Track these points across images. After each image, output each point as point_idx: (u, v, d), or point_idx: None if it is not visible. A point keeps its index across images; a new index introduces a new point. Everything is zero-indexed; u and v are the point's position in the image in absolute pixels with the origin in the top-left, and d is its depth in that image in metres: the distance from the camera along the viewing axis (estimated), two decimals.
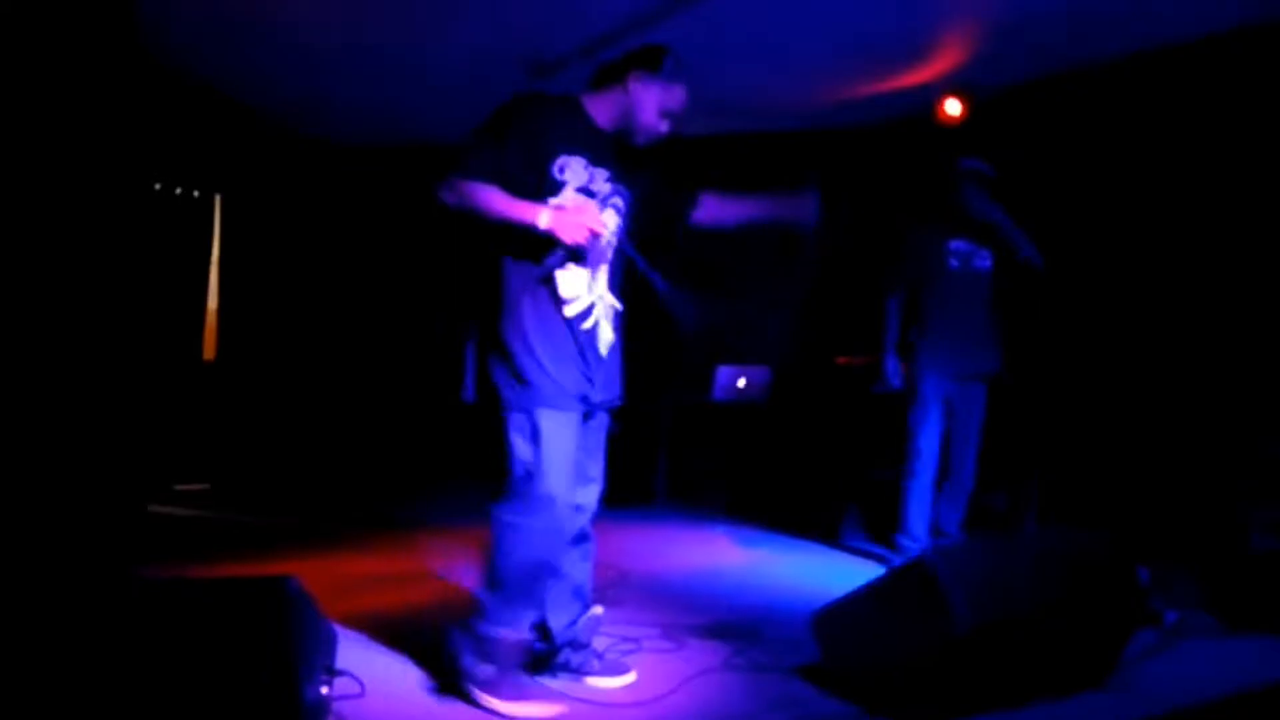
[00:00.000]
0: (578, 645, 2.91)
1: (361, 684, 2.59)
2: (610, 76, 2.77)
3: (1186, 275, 4.66)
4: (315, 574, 4.06)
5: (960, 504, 4.44)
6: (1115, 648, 2.88)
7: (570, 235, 2.55)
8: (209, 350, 6.54)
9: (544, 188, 2.63)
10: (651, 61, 2.74)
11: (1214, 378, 4.54)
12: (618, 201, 2.79)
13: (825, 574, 4.39)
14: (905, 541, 4.38)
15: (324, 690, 2.42)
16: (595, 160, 2.70)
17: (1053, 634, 2.63)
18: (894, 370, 4.49)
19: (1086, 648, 2.80)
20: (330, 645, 2.57)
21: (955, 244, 4.38)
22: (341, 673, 2.56)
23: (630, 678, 2.90)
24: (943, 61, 4.88)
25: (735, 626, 3.38)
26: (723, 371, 5.88)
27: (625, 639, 3.21)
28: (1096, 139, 4.98)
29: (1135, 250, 4.85)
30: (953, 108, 5.17)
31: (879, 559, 4.54)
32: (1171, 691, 2.88)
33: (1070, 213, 5.02)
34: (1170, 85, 4.70)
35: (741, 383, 5.90)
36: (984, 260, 4.38)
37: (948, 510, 4.44)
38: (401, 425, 6.40)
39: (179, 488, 6.24)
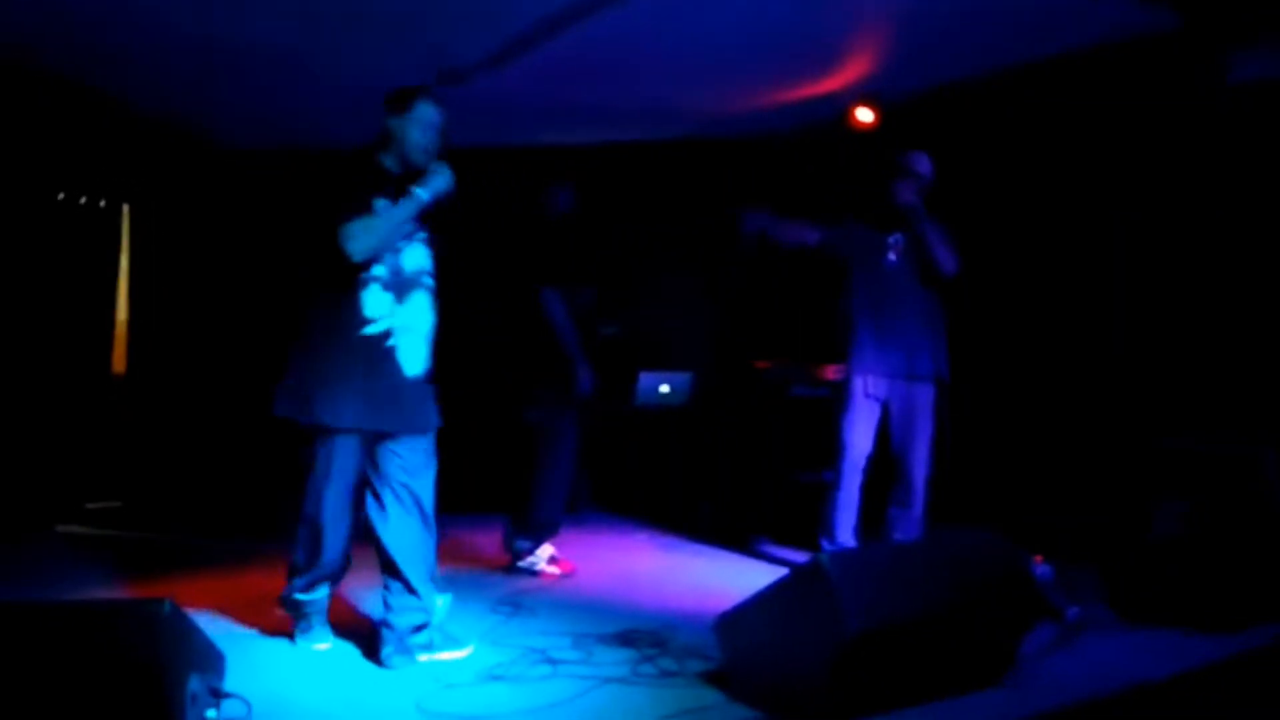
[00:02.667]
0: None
1: (248, 704, 2.52)
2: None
3: (1087, 274, 4.77)
4: (227, 591, 4.00)
5: (913, 515, 4.24)
6: (1010, 645, 2.92)
7: None
8: (119, 364, 6.35)
9: None
10: (399, 103, 3.16)
11: (1116, 373, 4.65)
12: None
13: (740, 579, 4.37)
14: (827, 545, 4.31)
15: (210, 713, 2.36)
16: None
17: (947, 633, 2.66)
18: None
19: (982, 646, 2.83)
20: (217, 666, 2.51)
21: (892, 238, 4.31)
22: (229, 694, 2.49)
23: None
24: (852, 69, 4.93)
25: (645, 634, 3.36)
26: (645, 377, 5.88)
27: (531, 650, 3.19)
28: (1000, 144, 5.08)
29: (1037, 250, 4.95)
30: (864, 115, 5.21)
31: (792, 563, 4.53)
32: (1069, 685, 2.93)
33: (975, 215, 5.11)
34: (1073, 90, 4.82)
35: (664, 388, 5.91)
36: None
37: (900, 520, 4.26)
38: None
39: (90, 506, 6.05)
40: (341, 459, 3.17)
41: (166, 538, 5.38)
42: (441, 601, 3.31)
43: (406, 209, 3.05)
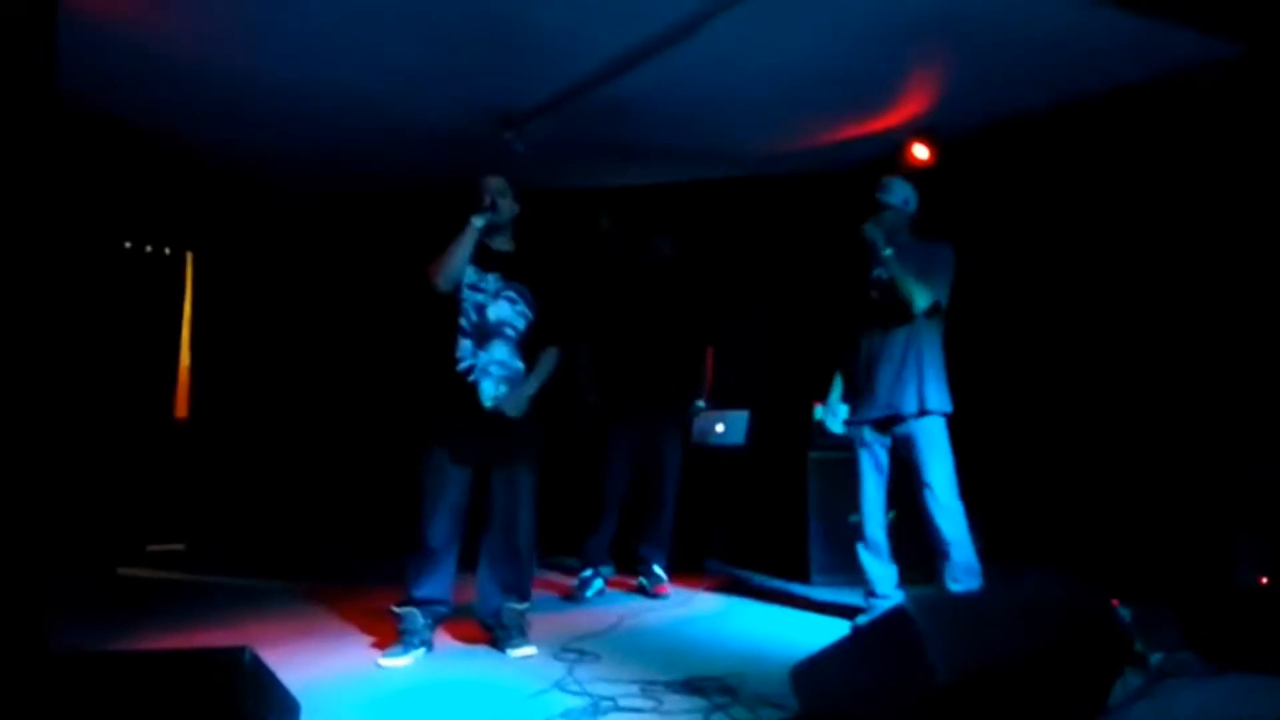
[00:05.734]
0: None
1: None
2: None
3: (1162, 304, 4.66)
4: (289, 635, 4.01)
5: (956, 560, 3.94)
6: (1101, 693, 2.82)
7: None
8: (182, 409, 6.45)
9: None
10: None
11: (1192, 409, 4.52)
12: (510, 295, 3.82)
13: (802, 624, 4.35)
14: (871, 600, 4.16)
15: None
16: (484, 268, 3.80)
17: (1036, 682, 2.58)
18: (831, 414, 4.32)
19: (1071, 694, 2.74)
20: (294, 715, 2.49)
21: (875, 274, 4.17)
22: None
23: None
24: (909, 106, 4.91)
25: (713, 681, 3.29)
26: (700, 418, 5.83)
27: (601, 698, 3.14)
28: (1065, 174, 5.02)
29: (1110, 279, 4.85)
30: (920, 152, 5.17)
31: (851, 609, 4.40)
32: None
33: (1046, 239, 5.04)
34: (1123, 126, 4.76)
35: (719, 428, 5.86)
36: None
37: (947, 567, 3.97)
38: (379, 481, 6.29)
39: (153, 549, 6.13)
40: (437, 479, 3.71)
41: (229, 581, 5.42)
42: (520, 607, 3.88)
43: (465, 234, 3.68)
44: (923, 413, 4.02)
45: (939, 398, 4.05)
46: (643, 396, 4.97)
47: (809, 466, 5.24)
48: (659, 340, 5.03)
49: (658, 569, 5.00)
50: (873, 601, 4.17)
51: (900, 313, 4.06)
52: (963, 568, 3.97)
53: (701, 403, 5.30)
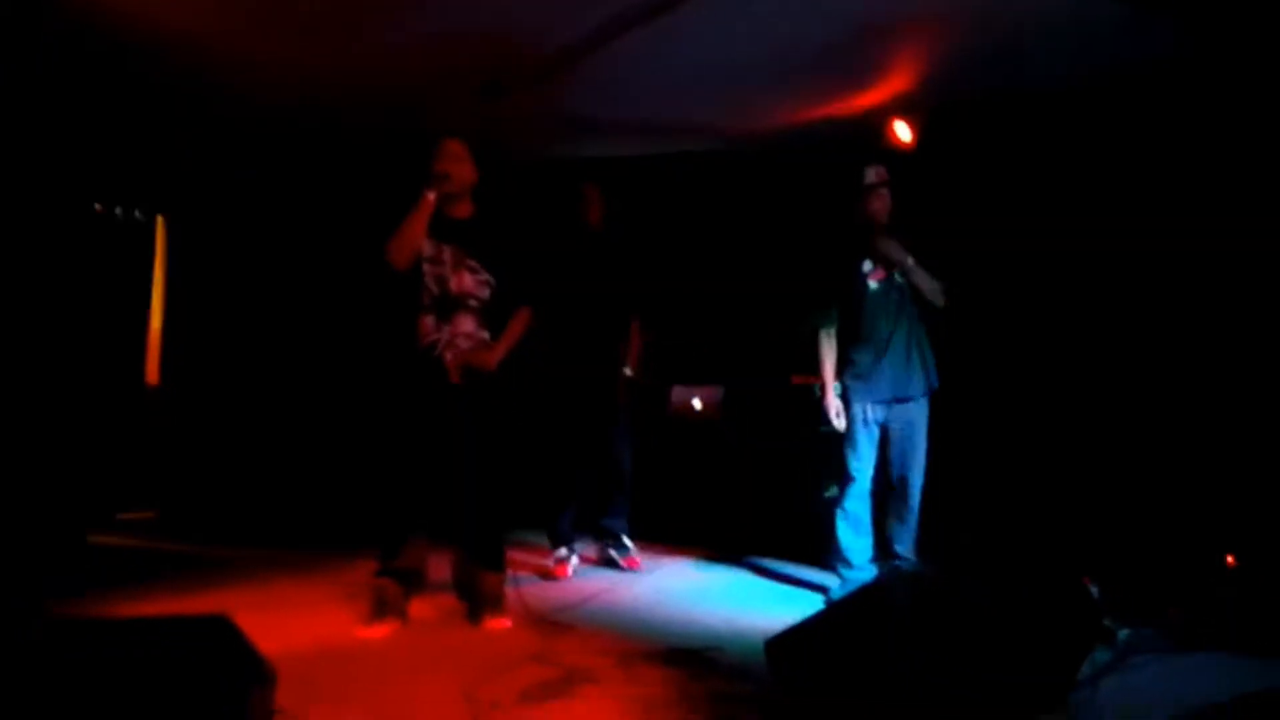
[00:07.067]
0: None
1: None
2: None
3: (1138, 290, 4.70)
4: (263, 604, 3.99)
5: (910, 526, 4.24)
6: (1069, 669, 2.86)
7: None
8: (152, 374, 6.37)
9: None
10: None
11: (1164, 388, 4.57)
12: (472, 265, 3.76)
13: (776, 596, 4.40)
14: (845, 571, 4.26)
15: None
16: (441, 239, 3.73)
17: (1007, 657, 2.62)
18: (836, 410, 4.33)
19: (1041, 670, 2.78)
20: (269, 685, 2.47)
21: (867, 264, 4.28)
22: (280, 711, 2.46)
23: None
24: (891, 84, 4.88)
25: (689, 654, 3.32)
26: (676, 391, 5.84)
27: (575, 669, 3.14)
28: (1058, 159, 5.02)
29: (1092, 264, 4.88)
30: (903, 132, 5.14)
31: (824, 584, 4.47)
32: (1125, 710, 2.87)
33: (1043, 227, 5.05)
34: (1109, 109, 4.77)
35: (695, 403, 5.87)
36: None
37: (899, 533, 4.24)
38: (354, 449, 6.26)
39: (123, 516, 6.07)
40: (409, 452, 3.71)
41: (200, 549, 5.38)
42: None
43: (419, 209, 3.64)
44: (925, 394, 4.26)
45: (935, 376, 4.29)
46: (575, 366, 4.90)
47: None
48: (585, 309, 4.91)
49: (626, 541, 5.01)
50: (847, 574, 4.23)
51: (914, 304, 4.24)
52: (913, 532, 4.22)
53: (629, 370, 5.08)
